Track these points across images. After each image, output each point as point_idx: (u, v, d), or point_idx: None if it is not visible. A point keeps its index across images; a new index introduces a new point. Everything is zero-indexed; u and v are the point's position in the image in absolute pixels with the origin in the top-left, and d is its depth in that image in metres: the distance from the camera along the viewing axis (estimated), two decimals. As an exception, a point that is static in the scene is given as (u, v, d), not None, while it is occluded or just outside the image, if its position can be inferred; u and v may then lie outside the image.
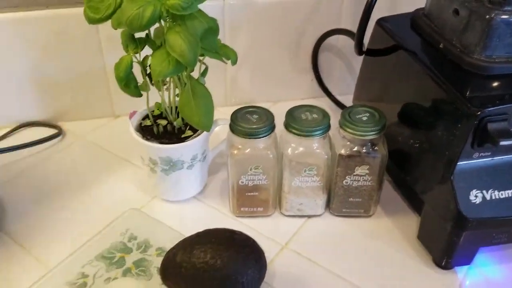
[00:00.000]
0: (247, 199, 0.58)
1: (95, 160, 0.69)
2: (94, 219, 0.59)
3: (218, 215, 0.61)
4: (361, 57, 0.68)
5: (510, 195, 0.50)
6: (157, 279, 0.51)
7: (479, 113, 0.47)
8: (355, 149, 0.55)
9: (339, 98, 0.79)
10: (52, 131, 0.72)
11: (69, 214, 0.60)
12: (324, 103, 0.78)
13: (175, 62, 0.49)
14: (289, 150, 0.55)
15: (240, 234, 0.49)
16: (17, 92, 0.71)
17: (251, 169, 0.56)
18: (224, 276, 0.46)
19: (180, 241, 0.49)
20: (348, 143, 0.55)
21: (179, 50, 0.48)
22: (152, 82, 0.56)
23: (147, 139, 0.57)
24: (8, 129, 0.73)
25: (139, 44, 0.54)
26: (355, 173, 0.56)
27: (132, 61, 0.53)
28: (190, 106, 0.54)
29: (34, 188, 0.64)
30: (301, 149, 0.55)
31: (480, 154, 0.50)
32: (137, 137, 0.57)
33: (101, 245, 0.56)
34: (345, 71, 0.80)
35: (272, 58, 0.76)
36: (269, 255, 0.53)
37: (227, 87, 0.78)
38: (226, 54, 0.56)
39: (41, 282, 0.52)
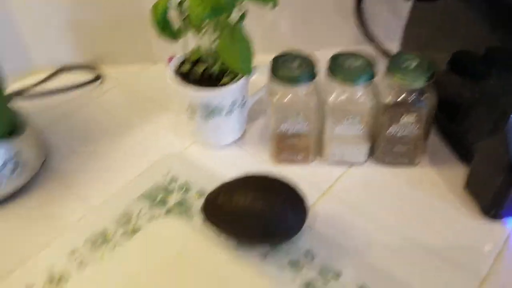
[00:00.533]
0: (287, 146, 0.57)
1: (135, 106, 0.69)
2: (135, 163, 0.60)
3: (258, 162, 0.60)
4: (410, 2, 0.64)
5: None
6: (198, 221, 0.51)
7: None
8: (402, 97, 0.53)
9: (384, 45, 0.75)
10: (91, 75, 0.72)
11: (110, 157, 0.61)
12: (369, 50, 0.75)
13: (211, 6, 0.47)
14: (332, 98, 0.54)
15: (281, 179, 0.49)
16: (56, 35, 0.71)
17: (291, 117, 0.55)
18: (264, 221, 0.45)
19: (221, 184, 0.49)
20: (395, 91, 0.53)
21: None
22: (190, 25, 0.54)
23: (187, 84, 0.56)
24: (47, 73, 0.73)
25: (176, -15, 0.52)
26: (400, 123, 0.54)
27: (168, 4, 0.52)
28: (229, 50, 0.52)
29: (76, 132, 0.64)
30: (344, 97, 0.53)
31: (537, 105, 0.47)
32: (176, 83, 0.56)
33: (144, 185, 0.56)
34: (391, 16, 0.76)
35: (313, 1, 0.73)
36: (310, 200, 0.53)
37: (266, 33, 0.75)
38: (266, -4, 0.53)
39: (87, 218, 0.53)
